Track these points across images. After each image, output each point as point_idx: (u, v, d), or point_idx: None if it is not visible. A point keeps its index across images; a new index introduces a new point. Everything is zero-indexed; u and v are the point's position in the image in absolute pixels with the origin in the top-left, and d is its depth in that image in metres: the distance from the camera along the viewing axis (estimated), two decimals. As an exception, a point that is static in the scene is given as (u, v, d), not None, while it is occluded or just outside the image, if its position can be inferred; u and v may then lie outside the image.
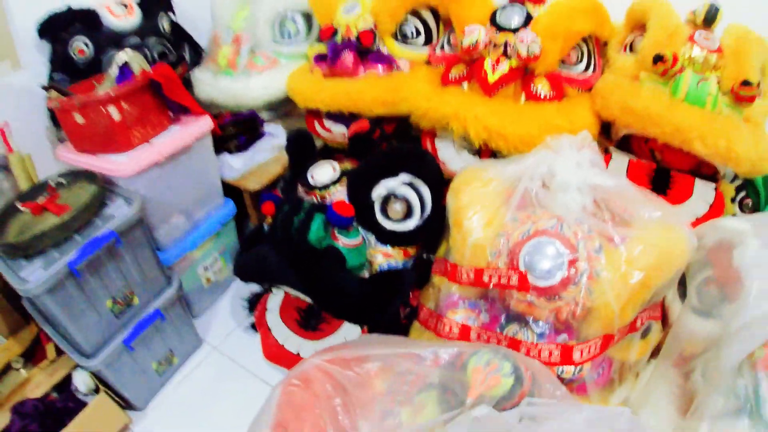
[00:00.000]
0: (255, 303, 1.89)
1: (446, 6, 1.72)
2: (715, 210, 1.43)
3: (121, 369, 1.59)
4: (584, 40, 1.59)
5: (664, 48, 1.36)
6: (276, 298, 1.82)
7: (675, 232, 1.18)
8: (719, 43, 1.38)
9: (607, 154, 1.55)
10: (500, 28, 1.51)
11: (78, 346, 1.51)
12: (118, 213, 1.48)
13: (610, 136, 1.56)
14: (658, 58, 1.34)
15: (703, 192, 1.44)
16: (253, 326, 1.84)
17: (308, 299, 1.53)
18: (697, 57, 1.36)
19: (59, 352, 1.68)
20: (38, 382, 1.64)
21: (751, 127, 1.31)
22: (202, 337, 1.87)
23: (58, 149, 1.82)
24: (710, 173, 1.45)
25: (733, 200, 1.55)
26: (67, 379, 1.65)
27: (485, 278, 1.20)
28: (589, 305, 1.10)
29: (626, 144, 1.53)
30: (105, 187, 1.55)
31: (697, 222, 1.41)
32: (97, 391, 1.61)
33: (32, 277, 1.31)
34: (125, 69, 1.72)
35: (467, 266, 1.25)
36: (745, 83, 1.28)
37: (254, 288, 1.95)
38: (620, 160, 1.52)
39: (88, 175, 1.60)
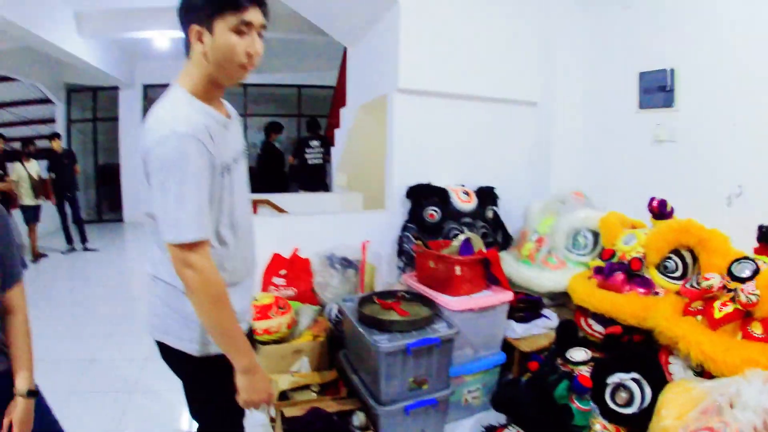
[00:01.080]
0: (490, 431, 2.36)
1: (698, 251, 2.20)
2: None
3: (392, 424, 2.17)
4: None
5: None
6: None
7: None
8: None
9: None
10: (733, 277, 1.92)
11: (376, 395, 2.16)
12: (442, 329, 2.24)
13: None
14: None
15: None
16: (484, 448, 2.31)
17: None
18: None
19: (349, 395, 2.36)
20: (327, 405, 2.23)
21: None
22: (446, 438, 2.39)
23: (405, 275, 2.76)
24: None
25: None
26: (347, 414, 2.19)
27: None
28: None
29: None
30: (437, 311, 2.36)
31: None
32: (365, 428, 2.14)
33: (382, 343, 2.07)
34: (467, 243, 2.60)
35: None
36: None
37: (493, 420, 2.37)
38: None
39: (426, 300, 2.45)
